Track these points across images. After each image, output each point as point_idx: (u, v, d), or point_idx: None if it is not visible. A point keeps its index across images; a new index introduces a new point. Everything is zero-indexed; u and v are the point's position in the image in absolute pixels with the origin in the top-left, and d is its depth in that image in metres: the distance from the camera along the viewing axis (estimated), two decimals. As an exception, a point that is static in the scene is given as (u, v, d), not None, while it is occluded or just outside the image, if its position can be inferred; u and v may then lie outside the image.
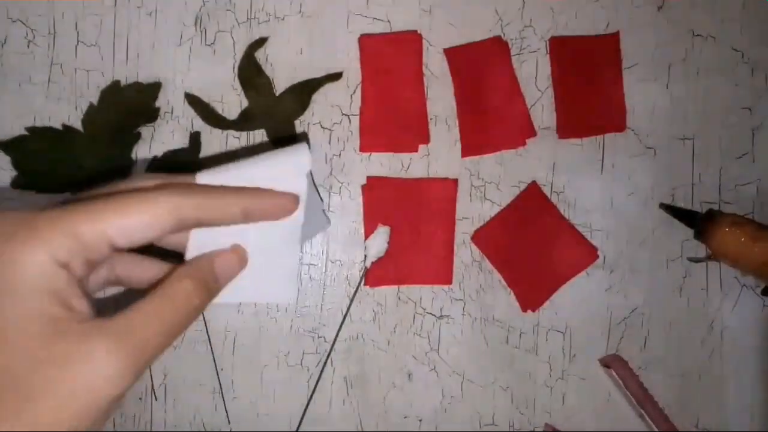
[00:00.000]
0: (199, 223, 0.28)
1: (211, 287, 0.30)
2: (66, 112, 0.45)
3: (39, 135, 0.44)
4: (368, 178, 0.47)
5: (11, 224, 0.24)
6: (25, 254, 0.23)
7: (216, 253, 0.31)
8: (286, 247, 0.33)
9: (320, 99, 0.47)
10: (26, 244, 0.23)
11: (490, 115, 0.47)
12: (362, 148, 0.47)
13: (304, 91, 0.46)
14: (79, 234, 0.24)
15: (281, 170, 0.32)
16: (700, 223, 0.47)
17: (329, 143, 0.47)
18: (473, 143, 0.47)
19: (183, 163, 0.45)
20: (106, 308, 0.26)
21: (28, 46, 0.45)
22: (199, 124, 0.46)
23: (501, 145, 0.48)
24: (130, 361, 0.24)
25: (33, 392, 0.22)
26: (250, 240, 0.32)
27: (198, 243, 0.31)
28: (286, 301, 0.35)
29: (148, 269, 0.31)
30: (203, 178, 0.30)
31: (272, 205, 0.31)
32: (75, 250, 0.24)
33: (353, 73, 0.47)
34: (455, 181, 0.47)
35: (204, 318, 0.46)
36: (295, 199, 0.32)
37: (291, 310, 0.47)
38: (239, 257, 0.32)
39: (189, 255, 0.31)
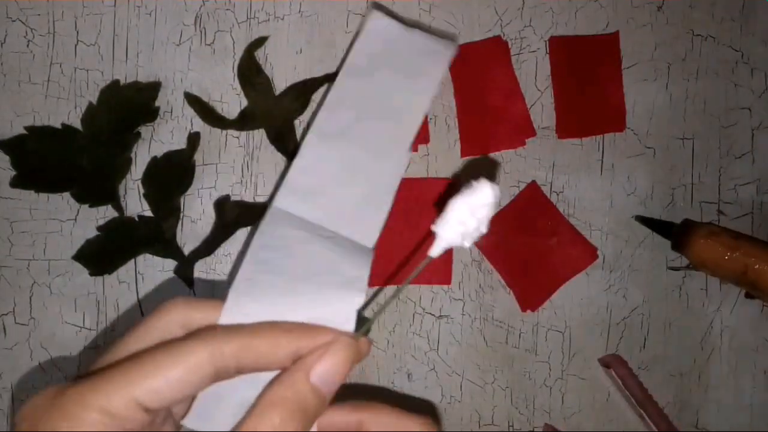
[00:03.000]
0: (242, 370, 0.25)
1: (309, 413, 0.25)
2: (65, 111, 0.45)
3: (38, 134, 0.44)
4: (368, 177, 0.47)
5: (41, 407, 0.23)
6: (69, 416, 0.22)
7: (311, 358, 0.25)
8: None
9: (320, 99, 0.47)
10: (56, 428, 0.22)
11: (489, 115, 0.47)
12: (362, 148, 0.47)
13: (303, 91, 0.46)
14: (109, 408, 0.22)
15: (326, 305, 0.27)
16: (676, 234, 0.47)
17: (329, 143, 0.47)
18: (473, 143, 0.47)
19: (182, 163, 0.45)
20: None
21: (27, 46, 0.45)
22: (199, 124, 0.46)
23: (500, 145, 0.48)
24: None
25: None
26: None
27: (237, 304, 0.26)
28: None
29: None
30: (229, 313, 0.26)
31: (327, 340, 0.26)
32: (108, 425, 0.22)
33: (353, 73, 0.47)
34: (455, 181, 0.47)
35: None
36: (351, 340, 0.27)
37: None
38: (348, 357, 0.26)
39: (224, 318, 0.26)
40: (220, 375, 0.24)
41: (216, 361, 0.24)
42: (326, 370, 0.25)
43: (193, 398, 0.26)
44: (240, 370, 0.24)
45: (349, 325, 0.27)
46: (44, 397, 0.23)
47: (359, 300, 0.28)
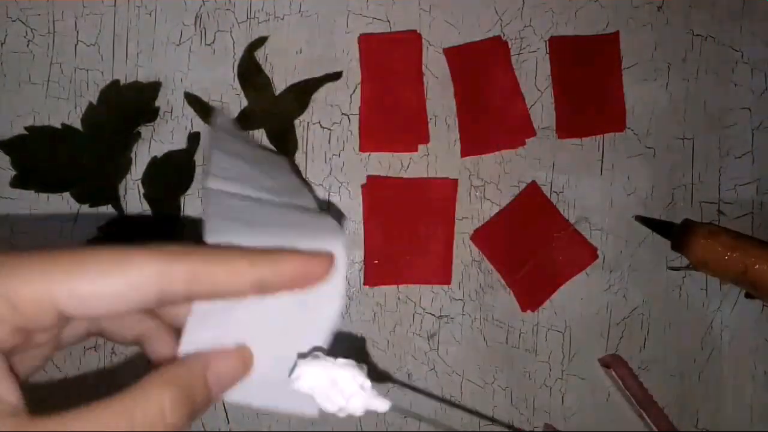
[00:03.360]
0: (193, 297, 0.21)
1: (197, 402, 0.21)
2: (65, 111, 0.45)
3: (38, 134, 0.44)
4: (368, 177, 0.47)
5: None
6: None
7: (213, 354, 0.22)
8: (314, 336, 0.25)
9: (320, 99, 0.47)
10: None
11: (489, 115, 0.47)
12: (362, 148, 0.47)
13: (303, 91, 0.46)
14: (12, 294, 0.18)
15: (310, 229, 0.25)
16: (675, 234, 0.47)
17: (329, 143, 0.47)
18: (473, 143, 0.47)
19: (182, 163, 0.45)
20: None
21: (27, 46, 0.45)
22: (199, 124, 0.46)
23: (501, 144, 0.48)
24: None
25: None
26: (269, 324, 0.24)
27: (199, 327, 0.23)
28: (307, 415, 0.24)
29: (140, 323, 0.24)
30: (214, 237, 0.23)
31: (297, 270, 0.22)
32: (6, 316, 0.18)
33: (353, 73, 0.47)
34: (455, 181, 0.47)
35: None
36: (328, 259, 0.23)
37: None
38: (243, 361, 0.23)
39: (184, 346, 0.23)
40: (164, 299, 0.20)
41: (163, 282, 0.20)
42: (225, 374, 0.23)
43: (118, 320, 0.23)
44: (189, 297, 0.21)
45: (339, 245, 0.24)
46: None
47: (342, 235, 0.25)
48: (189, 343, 0.23)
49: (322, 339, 0.24)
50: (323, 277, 0.23)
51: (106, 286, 0.19)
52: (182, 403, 0.21)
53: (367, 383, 0.24)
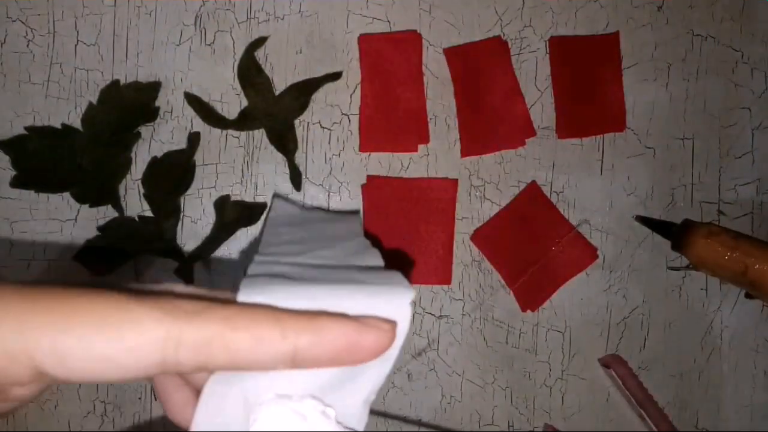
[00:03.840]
0: (207, 369, 0.17)
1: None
2: (65, 111, 0.45)
3: (38, 134, 0.44)
4: (368, 177, 0.47)
5: None
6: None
7: None
8: (351, 399, 0.20)
9: (320, 99, 0.47)
10: None
11: (489, 115, 0.47)
12: (362, 148, 0.47)
13: (303, 91, 0.46)
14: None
15: (372, 285, 0.20)
16: (676, 234, 0.47)
17: (329, 143, 0.47)
18: (473, 143, 0.47)
19: (182, 163, 0.45)
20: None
21: (27, 46, 0.45)
22: (199, 124, 0.46)
23: (501, 145, 0.48)
24: None
25: None
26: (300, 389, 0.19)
27: (212, 404, 0.18)
28: None
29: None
30: (247, 294, 0.18)
31: (345, 341, 0.17)
32: None
33: (353, 73, 0.47)
34: (455, 181, 0.47)
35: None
36: (389, 330, 0.18)
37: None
38: None
39: (195, 426, 0.18)
40: (168, 369, 0.16)
41: (168, 349, 0.16)
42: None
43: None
44: (200, 369, 0.17)
45: (405, 304, 0.19)
46: None
47: (411, 292, 0.20)
48: (202, 424, 0.18)
49: (360, 405, 0.20)
50: (380, 351, 0.18)
51: (96, 349, 0.15)
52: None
53: (331, 411, 0.20)
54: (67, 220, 0.45)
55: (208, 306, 0.16)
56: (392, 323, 0.18)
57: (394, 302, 0.19)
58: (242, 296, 0.18)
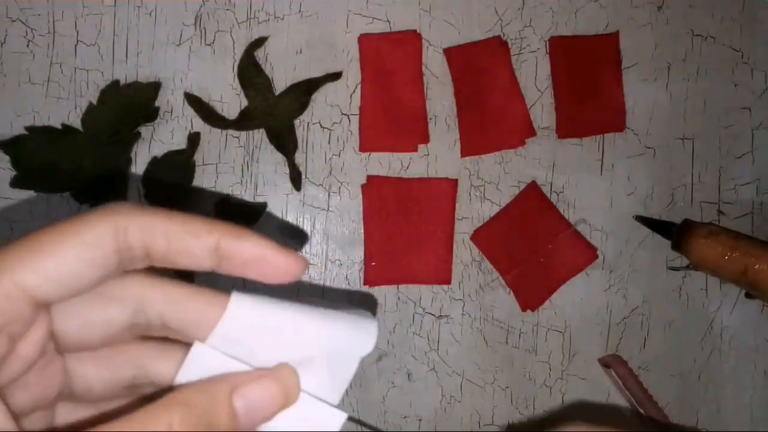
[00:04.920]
0: (152, 260, 0.20)
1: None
2: (65, 111, 0.45)
3: (38, 134, 0.44)
4: (368, 177, 0.47)
5: None
6: None
7: (244, 377, 0.20)
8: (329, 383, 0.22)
9: (320, 99, 0.47)
10: None
11: (489, 115, 0.47)
12: (362, 148, 0.47)
13: (303, 91, 0.46)
14: None
15: (337, 333, 0.22)
16: (676, 234, 0.47)
17: (329, 143, 0.47)
18: (473, 143, 0.47)
19: (182, 163, 0.45)
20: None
21: (27, 46, 0.45)
22: (199, 124, 0.46)
23: (500, 145, 0.48)
24: None
25: None
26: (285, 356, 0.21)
27: (204, 355, 0.20)
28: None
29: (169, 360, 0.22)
30: (238, 300, 0.20)
31: (259, 252, 0.20)
32: None
33: (353, 73, 0.47)
34: (455, 181, 0.47)
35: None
36: (298, 258, 0.21)
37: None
38: (283, 388, 0.20)
39: (183, 375, 0.20)
40: (124, 259, 0.19)
41: (119, 239, 0.19)
42: (258, 399, 0.20)
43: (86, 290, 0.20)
44: (149, 258, 0.20)
45: (372, 323, 0.22)
46: None
47: (370, 341, 0.22)
48: (188, 372, 0.20)
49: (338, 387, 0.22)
50: (287, 275, 0.21)
51: (65, 255, 0.18)
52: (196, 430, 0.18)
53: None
54: (67, 220, 0.45)
55: (143, 206, 0.20)
56: (303, 258, 0.21)
57: (361, 323, 0.22)
58: (235, 300, 0.21)
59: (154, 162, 0.45)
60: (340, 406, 0.22)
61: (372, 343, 0.22)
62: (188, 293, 0.20)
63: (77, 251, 0.18)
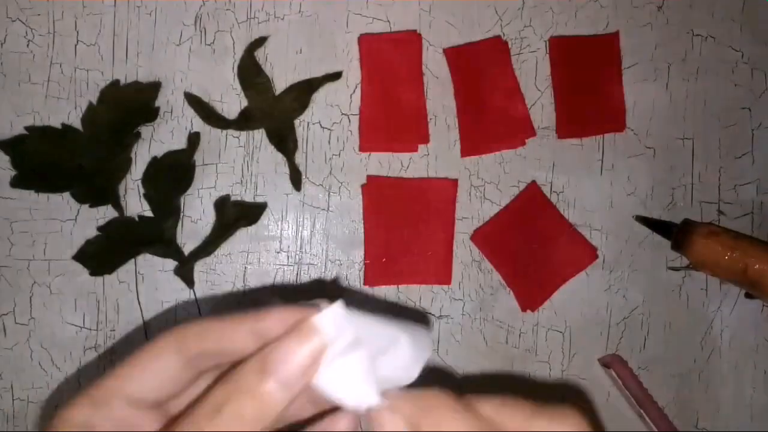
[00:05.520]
0: (217, 358, 0.25)
1: (266, 418, 0.23)
2: (65, 111, 0.45)
3: (38, 134, 0.44)
4: (368, 177, 0.47)
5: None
6: (62, 418, 0.24)
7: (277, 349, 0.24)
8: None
9: (320, 98, 0.47)
10: (64, 412, 0.25)
11: (489, 115, 0.47)
12: (362, 148, 0.47)
13: (303, 91, 0.46)
14: (97, 397, 0.24)
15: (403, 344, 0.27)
16: (676, 234, 0.47)
17: (329, 143, 0.47)
18: (473, 143, 0.47)
19: (182, 163, 0.45)
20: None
21: (27, 46, 0.45)
22: (199, 124, 0.46)
23: (501, 145, 0.48)
24: None
25: None
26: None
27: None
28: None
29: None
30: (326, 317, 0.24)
31: (284, 322, 0.25)
32: (99, 416, 0.24)
33: (353, 73, 0.47)
34: (455, 181, 0.47)
35: (200, 313, 0.46)
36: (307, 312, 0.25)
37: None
38: (311, 348, 0.24)
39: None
40: (195, 366, 0.25)
41: (183, 352, 0.24)
42: (292, 370, 0.23)
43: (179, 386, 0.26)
44: (213, 357, 0.25)
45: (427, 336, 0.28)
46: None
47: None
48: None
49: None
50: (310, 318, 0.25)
51: (152, 372, 0.25)
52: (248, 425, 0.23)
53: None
54: (67, 220, 0.45)
55: (206, 319, 0.25)
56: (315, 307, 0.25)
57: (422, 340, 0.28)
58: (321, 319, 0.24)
59: (154, 162, 0.45)
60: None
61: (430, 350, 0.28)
62: (210, 325, 0.25)
63: (159, 368, 0.25)
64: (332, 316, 0.24)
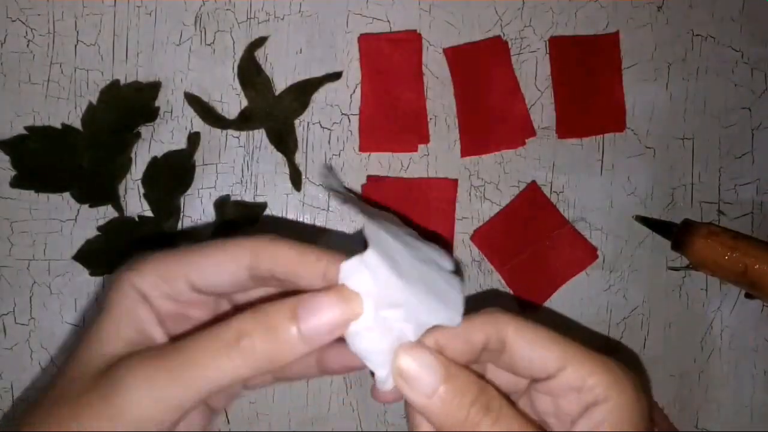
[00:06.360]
0: (274, 276, 0.27)
1: (277, 361, 0.25)
2: (65, 111, 0.45)
3: (38, 134, 0.44)
4: (368, 177, 0.47)
5: (139, 260, 0.27)
6: (122, 282, 0.26)
7: (306, 294, 0.25)
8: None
9: (320, 98, 0.47)
10: (124, 274, 0.27)
11: (489, 115, 0.47)
12: (362, 148, 0.47)
13: (303, 91, 0.46)
14: (163, 272, 0.26)
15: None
16: (676, 234, 0.47)
17: (329, 143, 0.47)
18: (473, 143, 0.47)
19: (182, 163, 0.45)
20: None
21: (27, 46, 0.45)
22: (199, 124, 0.46)
23: (501, 145, 0.48)
24: (163, 398, 0.23)
25: (87, 404, 0.24)
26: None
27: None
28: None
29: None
30: (370, 256, 0.25)
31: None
32: (157, 286, 0.26)
33: (353, 73, 0.47)
34: (455, 181, 0.47)
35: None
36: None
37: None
38: (343, 300, 0.25)
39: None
40: (255, 273, 0.26)
41: (252, 258, 0.26)
42: (319, 325, 0.24)
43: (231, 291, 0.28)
44: (273, 276, 0.26)
45: (458, 308, 0.27)
46: (147, 256, 0.27)
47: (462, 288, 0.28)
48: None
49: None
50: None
51: (216, 262, 0.27)
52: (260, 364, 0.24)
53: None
54: (67, 220, 0.45)
55: (280, 239, 0.27)
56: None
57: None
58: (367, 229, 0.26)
59: (154, 162, 0.45)
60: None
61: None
62: (292, 254, 0.27)
63: (224, 260, 0.26)
64: (372, 277, 0.25)
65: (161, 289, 0.27)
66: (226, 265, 0.26)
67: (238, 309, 0.29)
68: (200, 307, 0.29)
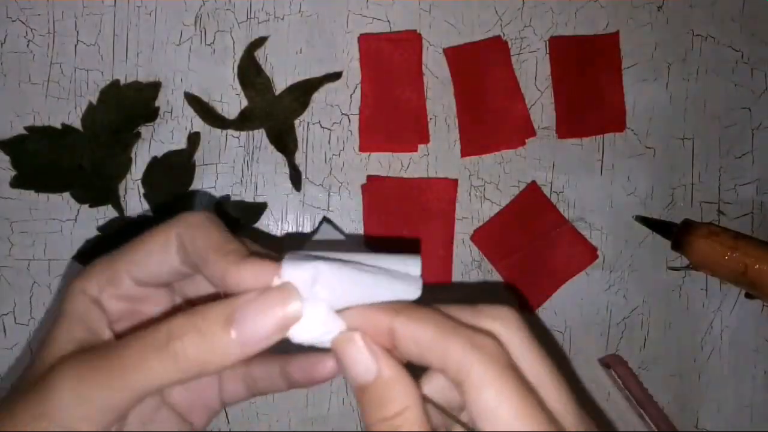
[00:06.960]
0: (195, 262, 0.25)
1: (212, 331, 0.23)
2: (65, 111, 0.45)
3: (38, 134, 0.44)
4: (368, 177, 0.47)
5: (89, 266, 0.28)
6: (73, 288, 0.26)
7: (239, 301, 0.23)
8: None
9: (320, 98, 0.47)
10: (75, 281, 0.27)
11: (489, 115, 0.47)
12: (362, 148, 0.47)
13: (303, 91, 0.46)
14: (108, 273, 0.27)
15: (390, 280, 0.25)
16: (676, 234, 0.47)
17: (329, 143, 0.47)
18: (473, 143, 0.47)
19: (182, 163, 0.45)
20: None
21: (27, 46, 0.45)
22: (199, 124, 0.46)
23: (501, 145, 0.48)
24: (94, 404, 0.22)
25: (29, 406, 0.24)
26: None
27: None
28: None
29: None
30: (288, 267, 0.23)
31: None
32: (104, 288, 0.27)
33: (353, 73, 0.47)
34: (455, 181, 0.47)
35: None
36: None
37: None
38: (284, 311, 0.23)
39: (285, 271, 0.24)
40: (185, 259, 0.26)
41: (178, 242, 0.26)
42: (256, 330, 0.22)
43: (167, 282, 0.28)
44: (196, 259, 0.25)
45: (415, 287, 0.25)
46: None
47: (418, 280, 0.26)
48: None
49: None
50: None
51: (149, 251, 0.27)
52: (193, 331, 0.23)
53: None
54: (67, 220, 0.45)
55: (213, 222, 0.27)
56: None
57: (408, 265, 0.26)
58: (287, 258, 0.24)
59: (154, 162, 0.45)
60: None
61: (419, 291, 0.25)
62: (210, 241, 0.25)
63: (154, 251, 0.27)
64: (312, 277, 0.23)
65: (109, 291, 0.27)
66: (156, 254, 0.26)
67: (192, 304, 0.28)
68: (153, 303, 0.28)
